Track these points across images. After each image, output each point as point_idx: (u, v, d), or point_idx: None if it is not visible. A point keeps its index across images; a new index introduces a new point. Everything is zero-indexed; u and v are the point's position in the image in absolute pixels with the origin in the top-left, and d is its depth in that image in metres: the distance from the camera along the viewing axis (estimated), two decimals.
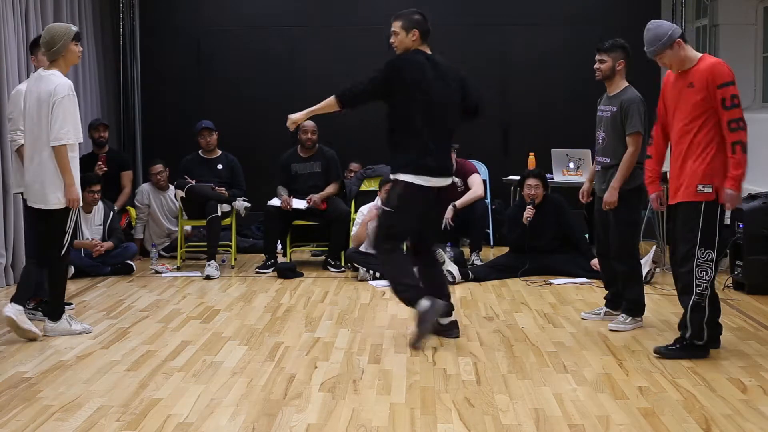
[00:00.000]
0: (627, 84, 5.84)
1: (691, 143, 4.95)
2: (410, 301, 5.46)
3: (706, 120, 4.91)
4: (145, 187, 8.97)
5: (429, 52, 5.57)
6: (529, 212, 7.68)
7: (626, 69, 5.83)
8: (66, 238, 5.67)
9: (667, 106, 5.14)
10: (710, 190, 4.91)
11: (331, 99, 5.55)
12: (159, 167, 8.85)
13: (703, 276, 4.93)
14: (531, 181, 7.83)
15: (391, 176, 5.62)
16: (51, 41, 5.59)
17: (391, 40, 5.55)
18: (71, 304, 6.49)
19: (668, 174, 5.25)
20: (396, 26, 5.51)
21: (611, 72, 5.80)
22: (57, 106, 5.48)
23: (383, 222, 5.62)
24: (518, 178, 8.35)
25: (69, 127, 5.52)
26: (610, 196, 5.74)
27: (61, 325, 5.70)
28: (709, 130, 4.91)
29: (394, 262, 5.59)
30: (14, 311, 5.54)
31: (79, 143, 5.74)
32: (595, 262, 7.60)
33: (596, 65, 5.86)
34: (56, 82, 5.54)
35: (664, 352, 5.05)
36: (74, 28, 5.68)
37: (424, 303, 5.32)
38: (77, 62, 5.85)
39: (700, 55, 5.04)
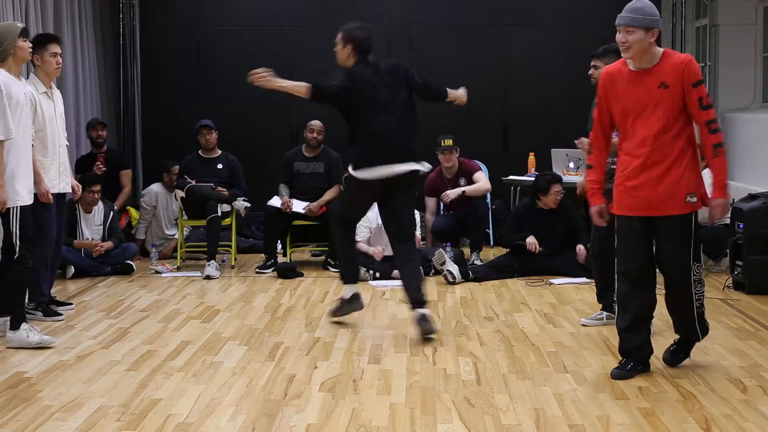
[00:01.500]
0: None
1: (672, 148, 4.54)
2: None
3: (685, 122, 4.57)
4: (154, 188, 8.92)
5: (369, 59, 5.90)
6: (532, 246, 7.65)
7: None
8: (14, 240, 5.37)
9: (616, 107, 4.67)
10: (696, 200, 4.58)
11: (303, 86, 5.78)
12: (178, 167, 8.71)
13: (699, 289, 4.76)
14: (558, 187, 7.74)
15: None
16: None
17: (335, 48, 5.95)
18: (71, 304, 6.48)
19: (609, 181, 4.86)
20: (338, 38, 5.92)
21: None
22: None
23: None
24: (518, 178, 8.34)
25: None
26: None
27: (19, 335, 5.39)
28: (688, 133, 4.58)
29: None
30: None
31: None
32: None
33: (590, 71, 5.80)
34: None
35: (671, 361, 4.92)
36: (20, 25, 5.59)
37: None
38: (28, 58, 5.69)
39: (662, 50, 4.62)
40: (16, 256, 5.41)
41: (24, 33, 5.56)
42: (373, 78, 5.80)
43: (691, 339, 4.93)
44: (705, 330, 4.92)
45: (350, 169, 5.80)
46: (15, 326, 5.42)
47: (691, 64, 4.53)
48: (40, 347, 5.36)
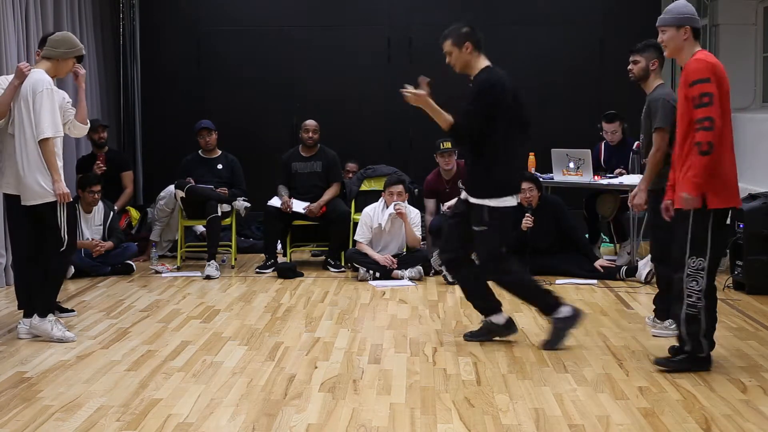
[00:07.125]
0: (660, 82, 5.64)
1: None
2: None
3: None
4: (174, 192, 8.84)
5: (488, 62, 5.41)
6: (528, 221, 7.63)
7: (660, 68, 5.69)
8: (62, 233, 5.57)
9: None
10: None
11: (447, 121, 5.29)
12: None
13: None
14: (525, 185, 7.76)
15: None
16: (60, 42, 5.65)
17: (447, 60, 5.43)
18: (73, 311, 6.40)
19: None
20: (447, 46, 5.39)
21: (645, 73, 5.62)
22: (36, 101, 5.47)
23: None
24: None
25: (48, 121, 5.47)
26: (638, 198, 5.49)
27: (44, 325, 5.54)
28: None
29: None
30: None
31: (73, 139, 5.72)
32: (599, 263, 7.60)
33: (629, 66, 5.69)
34: (35, 77, 5.53)
35: (665, 364, 4.87)
36: (84, 52, 5.78)
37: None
38: (63, 77, 5.81)
39: (697, 50, 4.76)
40: (63, 249, 5.60)
41: (79, 59, 5.75)
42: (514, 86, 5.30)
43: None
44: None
45: (491, 202, 5.25)
46: (43, 314, 5.55)
47: (692, 63, 4.68)
48: (61, 342, 5.48)
